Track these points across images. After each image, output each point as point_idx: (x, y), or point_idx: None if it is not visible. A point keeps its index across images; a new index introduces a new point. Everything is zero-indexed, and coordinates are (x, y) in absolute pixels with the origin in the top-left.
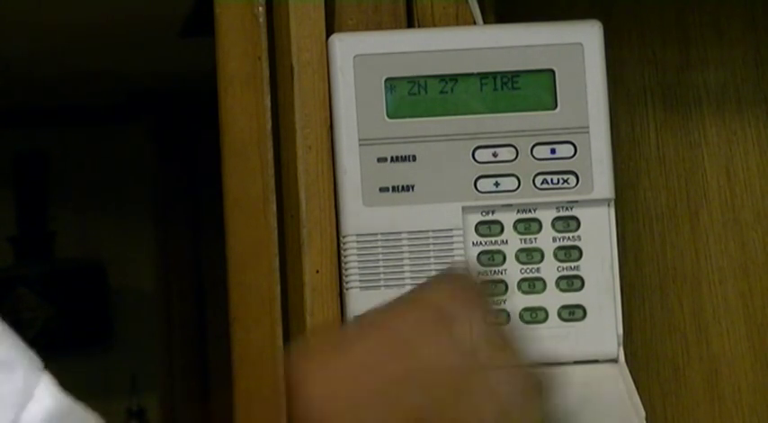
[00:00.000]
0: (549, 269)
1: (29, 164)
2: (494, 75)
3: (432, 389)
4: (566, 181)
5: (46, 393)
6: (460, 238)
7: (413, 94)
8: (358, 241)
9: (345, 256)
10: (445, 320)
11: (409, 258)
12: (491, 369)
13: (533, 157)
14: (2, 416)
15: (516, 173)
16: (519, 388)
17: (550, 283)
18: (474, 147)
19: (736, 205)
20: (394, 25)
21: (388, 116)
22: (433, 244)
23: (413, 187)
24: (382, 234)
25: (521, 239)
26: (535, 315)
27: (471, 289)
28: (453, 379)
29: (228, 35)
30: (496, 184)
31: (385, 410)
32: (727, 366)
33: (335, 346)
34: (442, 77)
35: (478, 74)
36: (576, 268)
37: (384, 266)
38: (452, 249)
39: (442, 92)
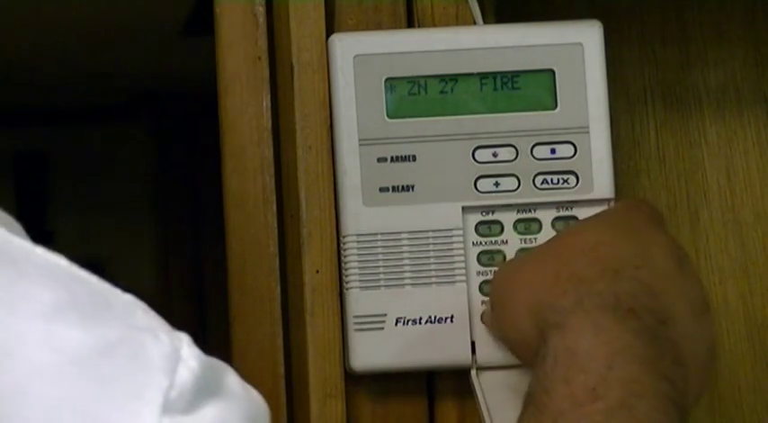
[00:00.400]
0: None
1: (29, 164)
2: (494, 75)
3: (651, 276)
4: (566, 181)
5: (191, 354)
6: (460, 238)
7: (413, 94)
8: (358, 241)
9: (345, 256)
10: (657, 221)
11: (409, 258)
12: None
13: (533, 157)
14: (157, 382)
15: (516, 173)
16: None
17: None
18: (474, 147)
19: (736, 205)
20: (394, 25)
21: (388, 116)
22: (433, 244)
23: (413, 187)
24: (382, 234)
25: (521, 239)
26: None
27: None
28: (670, 270)
29: (228, 35)
30: (496, 184)
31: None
32: (727, 366)
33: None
34: (442, 77)
35: (478, 74)
36: None
37: (384, 266)
38: (452, 249)
39: (442, 92)
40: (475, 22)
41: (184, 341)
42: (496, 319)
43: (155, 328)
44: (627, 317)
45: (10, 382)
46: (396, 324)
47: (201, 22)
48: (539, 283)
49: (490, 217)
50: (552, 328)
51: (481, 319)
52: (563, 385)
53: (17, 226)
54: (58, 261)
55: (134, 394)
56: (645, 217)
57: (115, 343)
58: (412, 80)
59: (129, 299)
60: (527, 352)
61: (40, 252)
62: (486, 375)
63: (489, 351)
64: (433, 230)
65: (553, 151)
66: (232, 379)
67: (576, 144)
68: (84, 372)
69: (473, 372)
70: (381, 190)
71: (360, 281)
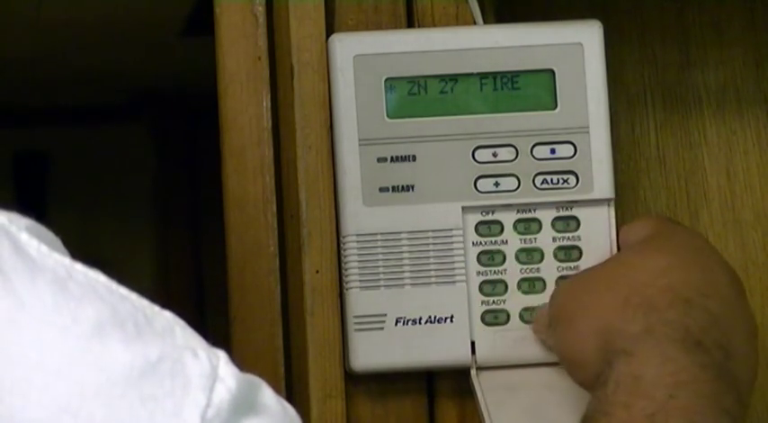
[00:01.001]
0: (549, 269)
1: (29, 164)
2: (494, 75)
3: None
4: (566, 181)
5: (228, 372)
6: (460, 238)
7: (413, 94)
8: (358, 241)
9: (345, 256)
10: (713, 246)
11: (409, 258)
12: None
13: (533, 157)
14: (194, 400)
15: (516, 173)
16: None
17: (550, 283)
18: (474, 147)
19: (736, 205)
20: (394, 25)
21: (388, 116)
22: (433, 244)
23: (413, 187)
24: (382, 234)
25: (521, 239)
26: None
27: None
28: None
29: (228, 35)
30: (496, 184)
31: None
32: None
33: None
34: (442, 77)
35: (478, 74)
36: (576, 268)
37: (384, 266)
38: (452, 249)
39: (442, 92)
40: (475, 22)
41: (222, 359)
42: (557, 337)
43: (193, 346)
44: (695, 349)
45: (61, 402)
46: (396, 324)
47: (201, 22)
48: (607, 307)
49: (490, 217)
50: (619, 354)
51: (535, 326)
52: (623, 410)
53: (58, 242)
54: (98, 277)
55: (173, 412)
56: (705, 241)
57: (156, 362)
58: (412, 80)
59: (168, 316)
60: (585, 374)
61: (80, 268)
62: (486, 375)
63: (489, 351)
64: (433, 230)
65: (553, 151)
66: (267, 394)
67: (576, 144)
68: (128, 391)
69: (473, 372)
70: (381, 190)
71: (360, 281)
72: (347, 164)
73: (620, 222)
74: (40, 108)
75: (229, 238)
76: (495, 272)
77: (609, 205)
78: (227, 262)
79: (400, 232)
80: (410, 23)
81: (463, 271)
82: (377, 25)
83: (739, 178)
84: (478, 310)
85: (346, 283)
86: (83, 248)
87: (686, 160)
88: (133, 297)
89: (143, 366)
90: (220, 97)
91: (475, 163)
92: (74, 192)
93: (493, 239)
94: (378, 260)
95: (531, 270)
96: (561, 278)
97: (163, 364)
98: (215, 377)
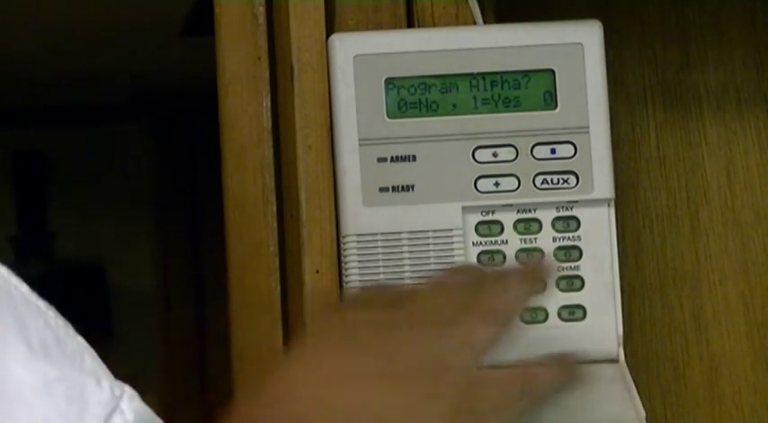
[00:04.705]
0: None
1: (29, 164)
2: (494, 75)
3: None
4: (566, 181)
5: (131, 407)
6: (460, 238)
7: (413, 94)
8: (358, 241)
9: (345, 256)
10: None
11: (409, 258)
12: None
13: (533, 157)
14: None
15: (516, 173)
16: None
17: (550, 283)
18: (474, 147)
19: (736, 205)
20: (394, 25)
21: (387, 116)
22: (433, 244)
23: (413, 187)
24: (382, 234)
25: (521, 239)
26: (535, 315)
27: (469, 291)
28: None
29: (228, 35)
30: (496, 184)
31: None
32: (727, 366)
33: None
34: (442, 77)
35: (478, 74)
36: (576, 268)
37: (384, 266)
38: (452, 249)
39: (442, 92)
40: (475, 22)
41: (127, 393)
42: None
43: (99, 375)
44: None
45: None
46: None
47: (201, 22)
48: None
49: (490, 217)
50: None
51: None
52: None
53: None
54: (20, 286)
55: None
56: None
57: (53, 381)
58: (412, 80)
59: (81, 342)
60: None
61: (3, 271)
62: None
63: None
64: (433, 230)
65: (553, 151)
66: None
67: (576, 144)
68: (17, 408)
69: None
70: (381, 190)
71: (360, 281)
72: (347, 164)
73: (620, 222)
74: (40, 108)
75: (229, 238)
76: None
77: (609, 205)
78: (227, 262)
79: (400, 232)
80: (410, 23)
81: None
82: (377, 25)
83: (739, 178)
84: None
85: (346, 283)
86: (83, 248)
87: (686, 160)
88: (50, 314)
89: (38, 385)
90: (220, 97)
91: (475, 163)
92: (74, 192)
93: (493, 239)
94: (378, 260)
95: None
96: (561, 278)
97: (60, 385)
98: (114, 408)
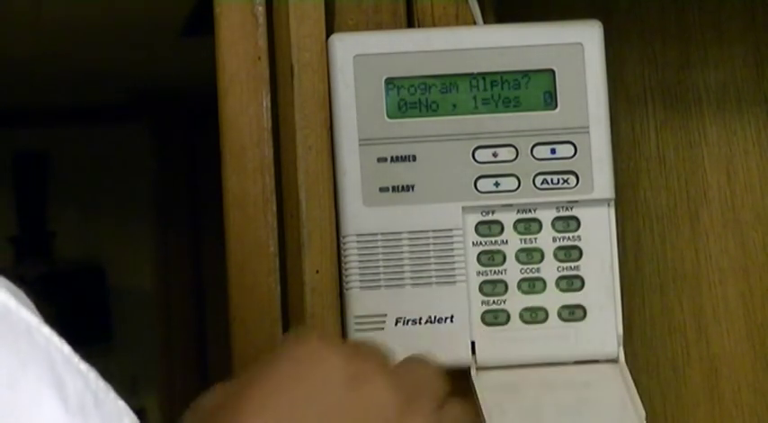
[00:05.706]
0: (549, 269)
1: (29, 164)
2: (494, 75)
3: None
4: (566, 181)
5: None
6: (460, 238)
7: (413, 94)
8: (358, 241)
9: (345, 256)
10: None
11: (409, 258)
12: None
13: (533, 157)
14: None
15: (516, 173)
16: None
17: (550, 283)
18: (474, 147)
19: (736, 205)
20: (394, 25)
21: (388, 116)
22: (433, 244)
23: (413, 187)
24: (382, 234)
25: (521, 239)
26: (535, 315)
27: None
28: None
29: (228, 35)
30: (496, 184)
31: None
32: (727, 366)
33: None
34: (442, 77)
35: (478, 74)
36: (576, 268)
37: (384, 266)
38: (452, 249)
39: (442, 92)
40: (475, 22)
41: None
42: None
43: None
44: None
45: None
46: (396, 324)
47: (201, 22)
48: None
49: (490, 217)
50: None
51: None
52: None
53: (28, 300)
54: (62, 347)
55: None
56: None
57: None
58: (412, 80)
59: (121, 405)
60: None
61: (47, 332)
62: (486, 375)
63: (489, 351)
64: (433, 230)
65: (553, 151)
66: None
67: (576, 144)
68: None
69: (473, 372)
70: (381, 190)
71: (360, 281)
72: (347, 164)
73: (620, 222)
74: (40, 108)
75: (229, 238)
76: (495, 272)
77: (609, 205)
78: (227, 262)
79: (400, 232)
80: (410, 23)
81: (463, 271)
82: (377, 25)
83: (739, 178)
84: (479, 310)
85: (346, 283)
86: (83, 248)
87: (686, 160)
88: (91, 376)
89: None
90: (220, 97)
91: (475, 163)
92: (74, 192)
93: (493, 239)
94: (378, 260)
95: (531, 270)
96: (561, 278)
97: None
98: None
